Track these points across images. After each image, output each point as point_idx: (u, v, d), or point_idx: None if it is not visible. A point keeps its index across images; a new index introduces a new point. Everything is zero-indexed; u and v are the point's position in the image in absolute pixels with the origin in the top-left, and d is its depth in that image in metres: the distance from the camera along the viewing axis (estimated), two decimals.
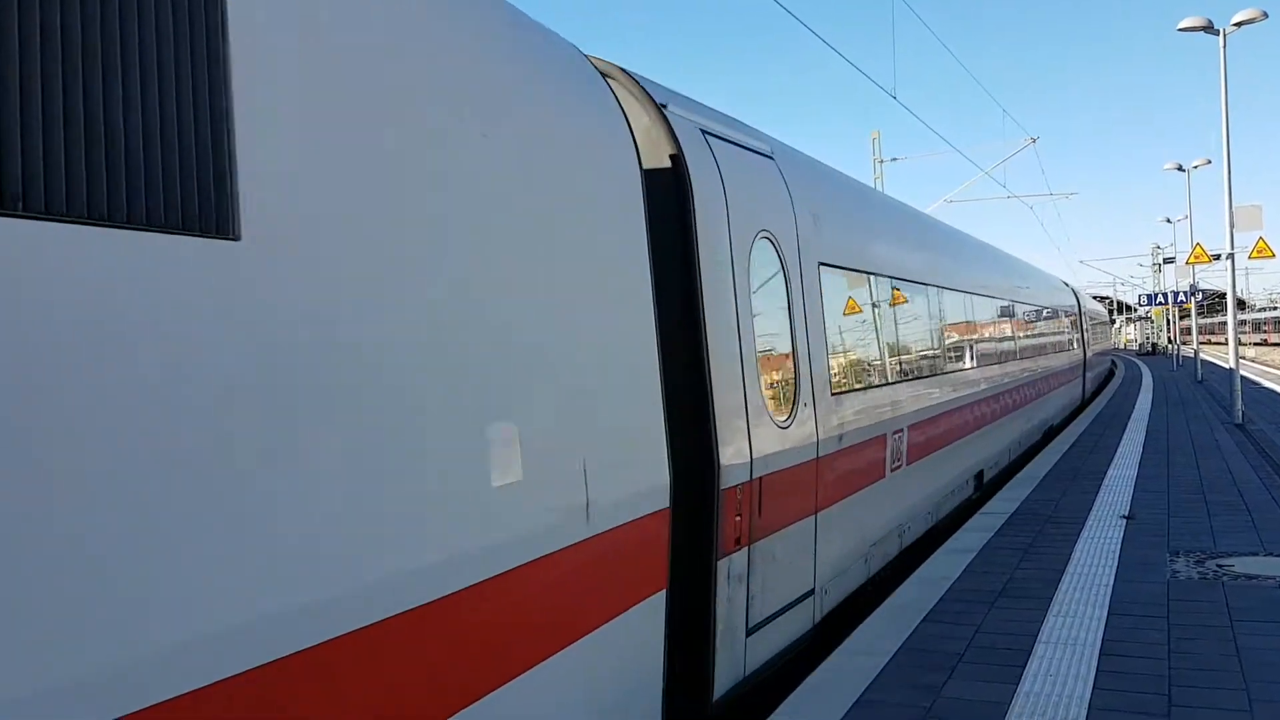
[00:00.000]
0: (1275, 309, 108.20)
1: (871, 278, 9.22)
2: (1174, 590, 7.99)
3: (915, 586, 8.41)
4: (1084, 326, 30.03)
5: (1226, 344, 25.86)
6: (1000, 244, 26.79)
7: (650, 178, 5.52)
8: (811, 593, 7.12)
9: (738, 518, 5.75)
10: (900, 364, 9.81)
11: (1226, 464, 14.96)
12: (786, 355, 6.83)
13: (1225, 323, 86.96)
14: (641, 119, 5.74)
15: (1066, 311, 25.84)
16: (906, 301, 10.38)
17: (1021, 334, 18.19)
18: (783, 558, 6.50)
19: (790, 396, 6.75)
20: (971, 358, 13.26)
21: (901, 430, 9.36)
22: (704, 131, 6.15)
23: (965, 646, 6.80)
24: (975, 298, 14.29)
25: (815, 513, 7.09)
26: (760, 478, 6.05)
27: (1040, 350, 20.00)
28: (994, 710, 5.64)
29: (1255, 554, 9.13)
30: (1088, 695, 5.79)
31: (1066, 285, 29.48)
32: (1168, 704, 5.62)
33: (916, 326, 10.68)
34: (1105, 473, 14.51)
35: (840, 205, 8.85)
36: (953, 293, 12.79)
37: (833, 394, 7.57)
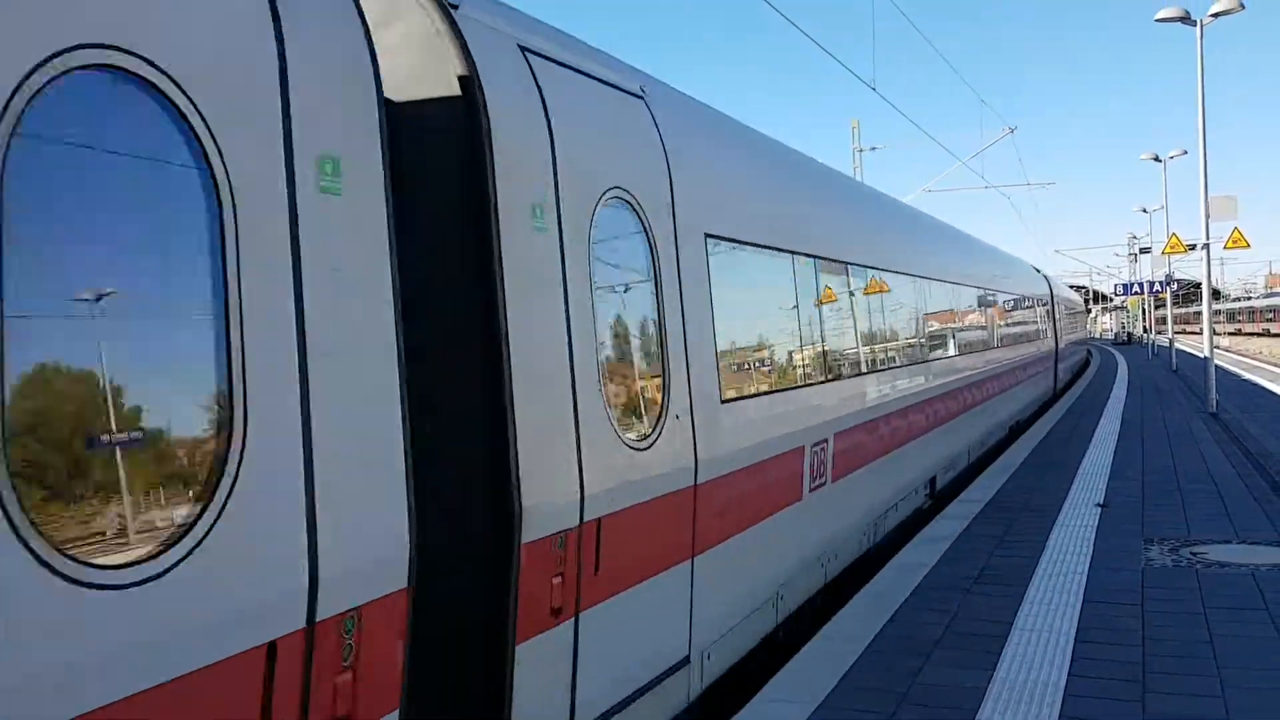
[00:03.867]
0: (1249, 299, 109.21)
1: (795, 257, 7.81)
2: (1148, 578, 8.06)
3: (893, 573, 8.45)
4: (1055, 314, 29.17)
5: (1201, 333, 25.98)
6: (980, 235, 24.35)
7: (428, 107, 4.20)
8: (685, 662, 5.64)
9: (557, 578, 4.36)
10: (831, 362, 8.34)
11: (1201, 452, 15.09)
12: (650, 354, 5.39)
13: (1200, 312, 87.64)
14: (417, 23, 4.21)
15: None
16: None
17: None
18: (636, 621, 5.10)
19: (654, 407, 5.32)
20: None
21: (826, 440, 8.01)
22: (524, 49, 4.64)
23: (942, 633, 6.84)
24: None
25: (692, 557, 5.66)
26: (600, 519, 4.67)
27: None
28: (970, 695, 5.68)
29: (1229, 541, 9.22)
30: (1063, 682, 5.84)
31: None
32: (1142, 690, 5.68)
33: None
34: (1080, 461, 14.61)
35: (744, 161, 7.52)
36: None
37: (724, 401, 6.11)
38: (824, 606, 8.12)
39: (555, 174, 4.60)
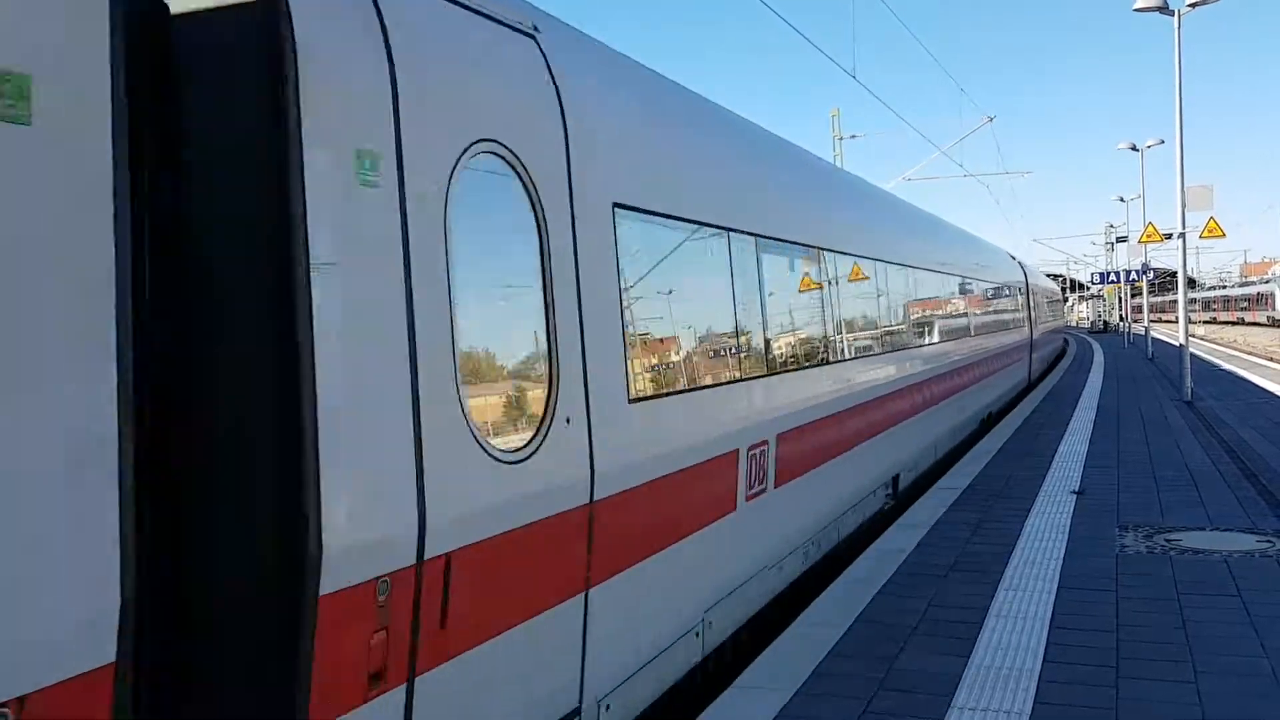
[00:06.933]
0: (1225, 288, 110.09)
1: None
2: (1123, 564, 8.12)
3: (870, 560, 8.49)
4: None
5: (1177, 322, 26.16)
6: (958, 224, 23.41)
7: (212, 18, 3.16)
8: (576, 715, 4.64)
9: (380, 632, 3.38)
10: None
11: (1175, 440, 15.22)
12: (534, 346, 4.39)
13: (1176, 301, 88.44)
14: None
15: None
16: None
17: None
18: (501, 676, 4.05)
19: (535, 409, 4.36)
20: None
21: (766, 442, 7.01)
22: None
23: (918, 619, 6.88)
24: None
25: (586, 590, 4.65)
26: (449, 554, 3.68)
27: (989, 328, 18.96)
28: (946, 682, 5.71)
29: (1202, 529, 9.31)
30: (1038, 668, 5.88)
31: None
32: (1115, 676, 5.73)
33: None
34: (1056, 449, 14.71)
35: (668, 121, 6.30)
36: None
37: (631, 401, 5.08)
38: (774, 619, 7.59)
39: (396, 114, 3.60)
